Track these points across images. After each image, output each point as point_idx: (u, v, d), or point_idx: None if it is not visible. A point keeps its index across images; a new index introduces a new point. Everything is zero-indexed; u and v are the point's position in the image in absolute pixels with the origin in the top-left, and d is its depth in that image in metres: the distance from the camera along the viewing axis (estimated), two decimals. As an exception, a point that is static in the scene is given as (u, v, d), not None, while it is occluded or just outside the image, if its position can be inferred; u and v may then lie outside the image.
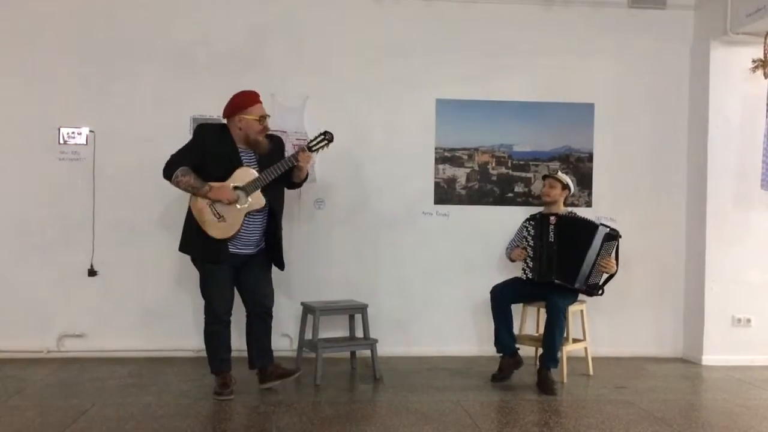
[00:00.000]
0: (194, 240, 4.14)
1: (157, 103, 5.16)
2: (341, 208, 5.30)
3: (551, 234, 4.61)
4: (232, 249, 4.11)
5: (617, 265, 4.63)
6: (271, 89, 5.04)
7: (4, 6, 5.07)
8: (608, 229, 4.60)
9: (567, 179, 4.85)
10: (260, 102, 4.18)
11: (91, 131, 5.13)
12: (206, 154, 4.08)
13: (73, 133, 5.10)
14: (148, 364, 4.90)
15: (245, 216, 4.07)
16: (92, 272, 5.12)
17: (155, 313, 5.15)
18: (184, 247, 4.26)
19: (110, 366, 4.84)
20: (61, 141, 5.10)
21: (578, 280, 4.54)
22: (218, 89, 5.14)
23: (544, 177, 4.93)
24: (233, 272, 4.20)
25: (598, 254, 4.53)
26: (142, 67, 5.15)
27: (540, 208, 4.98)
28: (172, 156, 4.12)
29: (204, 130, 4.21)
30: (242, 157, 4.13)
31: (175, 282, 5.17)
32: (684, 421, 3.89)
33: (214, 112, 5.18)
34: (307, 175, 4.32)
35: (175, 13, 5.18)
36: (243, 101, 4.14)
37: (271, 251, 4.28)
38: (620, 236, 4.63)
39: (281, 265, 4.35)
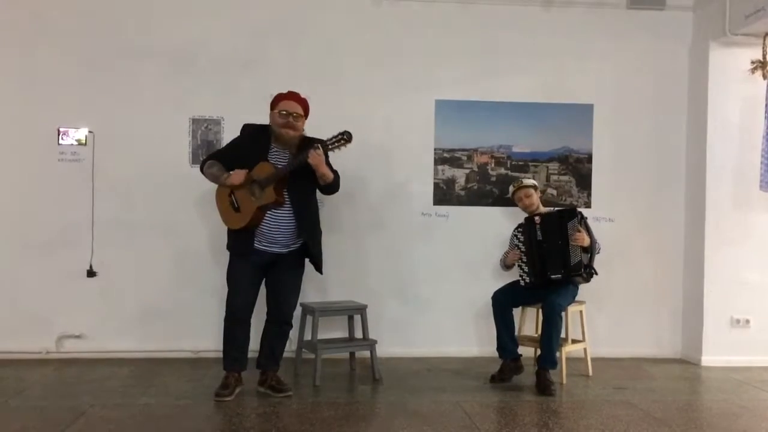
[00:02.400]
0: (228, 234, 4.26)
1: (157, 104, 5.16)
2: (340, 208, 5.29)
3: (538, 233, 4.64)
4: (257, 245, 4.13)
5: (591, 237, 4.60)
6: (270, 90, 5.00)
7: (3, 6, 5.07)
8: (566, 211, 4.69)
9: (531, 180, 4.92)
10: (291, 99, 4.19)
11: (90, 132, 5.13)
12: (241, 150, 4.19)
13: (70, 132, 5.10)
14: (147, 365, 4.90)
15: (264, 211, 4.08)
16: (91, 273, 5.11)
17: (154, 313, 5.15)
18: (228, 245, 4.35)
19: (109, 367, 4.84)
20: (61, 142, 5.10)
21: (564, 267, 4.55)
22: (218, 90, 5.19)
23: (514, 192, 4.88)
24: (259, 271, 4.20)
25: (568, 235, 4.56)
26: (142, 68, 5.15)
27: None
28: (211, 152, 4.41)
29: (245, 129, 4.36)
30: (274, 156, 4.16)
31: (174, 283, 5.17)
32: (683, 421, 3.89)
33: (214, 112, 5.21)
34: (336, 180, 4.21)
35: (175, 13, 5.18)
36: (274, 100, 4.25)
37: (308, 254, 4.27)
38: (579, 212, 4.62)
39: (319, 269, 4.35)
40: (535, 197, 4.82)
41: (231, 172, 4.16)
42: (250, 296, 4.21)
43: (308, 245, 4.23)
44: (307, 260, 4.35)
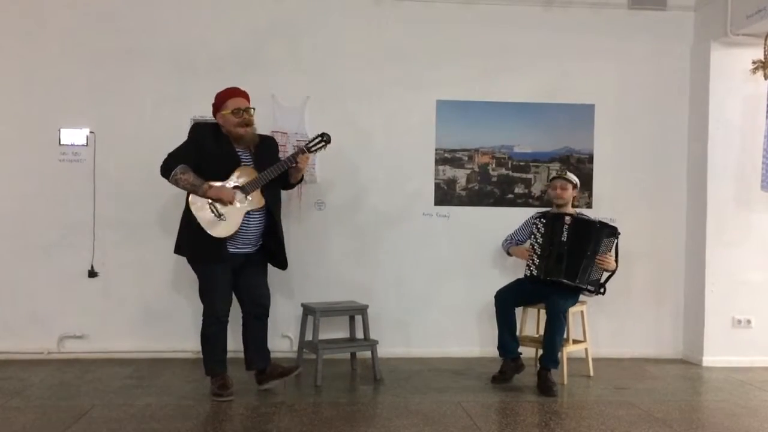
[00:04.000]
0: (192, 241, 4.11)
1: (157, 104, 5.16)
2: (342, 209, 5.29)
3: (564, 234, 4.60)
4: (231, 249, 4.09)
5: (617, 262, 4.64)
6: (271, 90, 5.06)
7: (4, 6, 5.07)
8: (607, 226, 4.65)
9: (575, 178, 4.82)
10: (238, 96, 4.16)
11: (91, 132, 5.13)
12: (203, 154, 4.08)
13: (72, 133, 5.11)
14: (148, 365, 4.90)
15: (244, 215, 4.08)
16: (93, 273, 5.12)
17: (155, 314, 5.15)
18: (179, 249, 4.24)
19: (110, 367, 4.84)
20: (62, 142, 5.10)
21: (578, 277, 4.55)
22: (218, 90, 5.16)
23: (554, 179, 4.86)
24: (231, 274, 4.18)
25: (598, 251, 4.55)
26: (142, 68, 5.15)
27: (541, 209, 4.98)
28: (169, 155, 4.12)
29: (200, 130, 4.22)
30: (243, 159, 4.15)
31: (175, 283, 5.16)
32: (684, 422, 3.89)
33: (215, 113, 5.19)
34: (302, 177, 4.35)
35: (175, 13, 5.18)
36: (218, 100, 4.18)
37: (273, 252, 4.29)
38: (619, 233, 4.65)
39: (284, 265, 4.36)
40: (569, 194, 4.73)
41: (211, 184, 3.99)
42: (229, 299, 4.21)
43: (280, 242, 4.25)
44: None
